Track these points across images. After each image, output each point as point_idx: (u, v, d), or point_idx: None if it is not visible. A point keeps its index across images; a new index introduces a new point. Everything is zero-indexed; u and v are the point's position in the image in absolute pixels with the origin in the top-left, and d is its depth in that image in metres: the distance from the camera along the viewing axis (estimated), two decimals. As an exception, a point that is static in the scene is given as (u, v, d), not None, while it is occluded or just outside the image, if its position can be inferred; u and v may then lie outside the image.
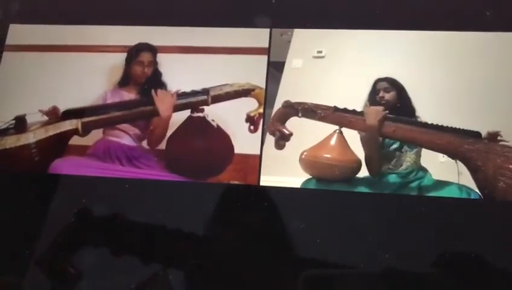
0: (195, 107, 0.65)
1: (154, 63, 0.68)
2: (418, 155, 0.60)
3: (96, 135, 0.66)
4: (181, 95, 0.66)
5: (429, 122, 0.60)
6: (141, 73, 0.68)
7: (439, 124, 0.60)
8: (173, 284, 0.58)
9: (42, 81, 0.69)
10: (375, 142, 0.61)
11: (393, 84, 0.62)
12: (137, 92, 0.67)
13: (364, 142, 0.61)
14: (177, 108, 0.65)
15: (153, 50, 0.68)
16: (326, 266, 0.57)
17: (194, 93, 0.66)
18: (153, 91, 0.66)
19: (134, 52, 0.69)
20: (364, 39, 0.65)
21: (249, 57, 0.66)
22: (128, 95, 0.67)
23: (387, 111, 0.61)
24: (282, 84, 0.65)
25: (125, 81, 0.68)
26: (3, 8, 0.73)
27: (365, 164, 0.60)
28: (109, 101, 0.67)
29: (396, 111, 0.62)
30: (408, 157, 0.60)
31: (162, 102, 0.66)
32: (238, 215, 0.60)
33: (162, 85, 0.67)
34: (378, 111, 0.61)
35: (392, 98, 0.62)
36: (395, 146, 0.61)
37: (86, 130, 0.66)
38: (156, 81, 0.67)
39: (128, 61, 0.68)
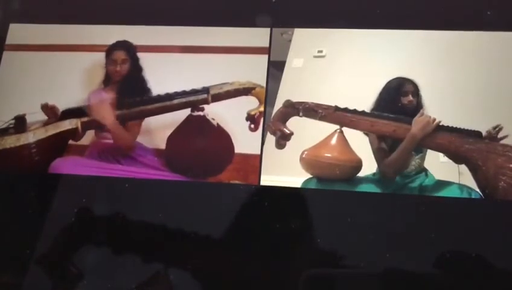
0: (195, 105, 0.65)
1: (129, 60, 0.67)
2: (423, 159, 0.60)
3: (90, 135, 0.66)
4: (181, 93, 0.65)
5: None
6: (115, 72, 0.67)
7: (440, 123, 0.60)
8: (174, 283, 0.58)
9: (42, 80, 0.69)
10: (409, 151, 0.60)
11: (417, 89, 0.61)
12: (116, 91, 0.67)
13: (401, 148, 0.60)
14: (177, 107, 0.65)
15: (127, 47, 0.68)
16: (327, 266, 0.57)
17: (194, 92, 0.65)
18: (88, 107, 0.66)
19: (108, 51, 0.68)
20: (365, 39, 0.64)
21: (250, 57, 0.66)
22: (107, 95, 0.67)
23: (440, 121, 0.59)
24: (282, 83, 0.64)
25: (106, 81, 0.68)
26: (3, 7, 0.73)
27: (380, 167, 0.60)
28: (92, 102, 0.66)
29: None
30: (413, 161, 0.60)
31: (98, 113, 0.65)
32: (238, 215, 0.60)
33: (142, 81, 0.66)
34: (429, 122, 0.59)
35: (417, 104, 0.61)
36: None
37: (86, 129, 0.66)
38: (134, 78, 0.67)
39: (106, 61, 0.68)
